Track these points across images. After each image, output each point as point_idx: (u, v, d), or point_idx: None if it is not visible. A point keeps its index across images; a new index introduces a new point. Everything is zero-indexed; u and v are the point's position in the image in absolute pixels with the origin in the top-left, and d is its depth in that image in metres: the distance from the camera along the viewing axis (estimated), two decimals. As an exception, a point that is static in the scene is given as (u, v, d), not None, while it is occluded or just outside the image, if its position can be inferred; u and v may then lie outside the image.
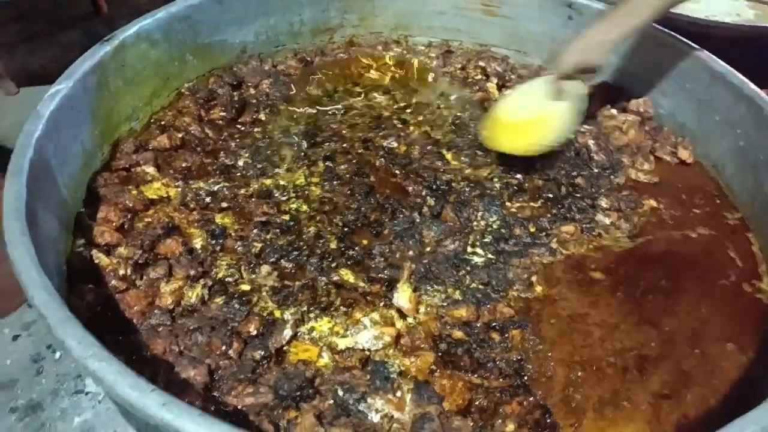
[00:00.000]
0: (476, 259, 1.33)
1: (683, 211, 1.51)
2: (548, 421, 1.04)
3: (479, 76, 1.89)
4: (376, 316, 1.17)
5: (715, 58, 1.61)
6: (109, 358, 0.80)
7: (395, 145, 1.62)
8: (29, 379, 1.54)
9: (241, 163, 1.49)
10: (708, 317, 1.27)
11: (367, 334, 1.13)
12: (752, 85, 1.51)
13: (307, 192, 1.44)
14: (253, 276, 1.22)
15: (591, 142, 1.64)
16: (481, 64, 1.91)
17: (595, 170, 1.59)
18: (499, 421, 1.03)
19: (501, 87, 1.85)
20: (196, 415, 0.75)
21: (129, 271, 1.18)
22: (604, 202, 1.48)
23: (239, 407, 1.00)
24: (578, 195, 1.50)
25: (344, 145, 1.60)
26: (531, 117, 1.48)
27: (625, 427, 1.07)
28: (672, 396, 1.13)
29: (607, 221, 1.45)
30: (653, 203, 1.51)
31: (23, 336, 1.63)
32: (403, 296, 1.20)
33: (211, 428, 0.74)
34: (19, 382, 1.53)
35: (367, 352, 1.11)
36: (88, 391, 1.51)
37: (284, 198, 1.42)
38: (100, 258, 1.19)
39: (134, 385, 0.78)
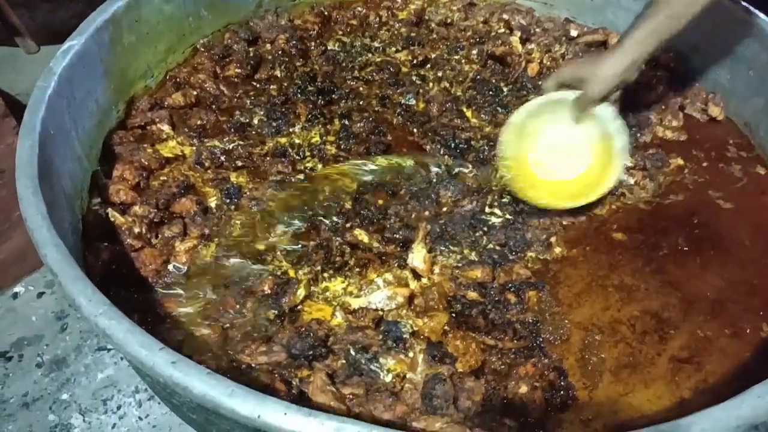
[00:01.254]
0: (494, 220, 1.30)
1: (711, 171, 1.46)
2: (562, 383, 1.03)
3: (502, 30, 1.82)
4: (389, 276, 1.16)
5: (752, 9, 1.52)
6: (119, 316, 0.81)
7: (413, 102, 1.59)
8: (54, 335, 1.58)
9: (256, 121, 1.47)
10: (731, 283, 1.23)
11: (380, 295, 1.12)
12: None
13: (322, 151, 1.42)
14: (268, 235, 1.21)
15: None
16: (505, 17, 1.84)
17: (621, 128, 1.53)
18: (513, 382, 1.02)
19: (525, 41, 1.78)
20: (205, 374, 0.75)
21: (144, 230, 1.18)
22: (628, 161, 1.43)
23: (253, 365, 1.01)
24: (602, 154, 1.46)
25: (361, 102, 1.57)
26: (577, 174, 1.31)
27: (641, 390, 1.06)
28: (691, 360, 1.11)
29: (632, 180, 1.40)
30: (680, 162, 1.45)
31: (47, 293, 1.66)
32: (417, 257, 1.19)
33: (219, 387, 0.74)
34: (44, 338, 1.57)
35: (381, 312, 1.10)
36: (111, 348, 1.55)
37: (299, 157, 1.40)
38: (115, 216, 1.19)
39: (144, 343, 0.78)
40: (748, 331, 1.15)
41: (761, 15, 1.50)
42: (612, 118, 1.26)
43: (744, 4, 1.53)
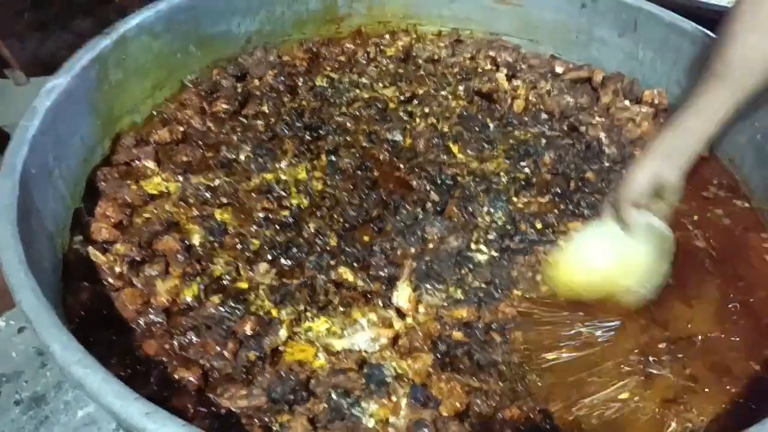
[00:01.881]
0: (480, 257, 1.30)
1: (697, 207, 1.46)
2: (548, 427, 1.02)
3: (489, 66, 1.84)
4: (373, 316, 1.15)
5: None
6: (94, 365, 0.79)
7: (400, 138, 1.59)
8: (34, 372, 1.55)
9: (242, 156, 1.46)
10: (719, 322, 1.23)
11: (364, 336, 1.11)
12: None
13: (308, 187, 1.41)
14: (251, 274, 1.20)
15: (602, 135, 1.59)
16: (491, 53, 1.87)
17: (606, 164, 1.54)
18: (497, 426, 1.00)
19: (511, 77, 1.80)
20: (180, 426, 0.73)
21: (125, 269, 1.17)
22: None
23: (233, 409, 0.99)
24: (587, 190, 1.46)
25: (348, 138, 1.57)
26: (604, 267, 1.24)
27: (629, 433, 1.04)
28: (678, 400, 1.09)
29: (617, 218, 1.40)
30: (665, 199, 1.45)
31: (28, 328, 1.64)
32: (402, 295, 1.18)
33: (193, 438, 0.72)
34: (23, 374, 1.54)
35: (364, 354, 1.09)
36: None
37: (285, 193, 1.39)
38: (96, 255, 1.18)
39: (119, 393, 0.77)
40: (734, 370, 1.14)
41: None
42: (662, 231, 1.20)
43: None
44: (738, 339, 1.19)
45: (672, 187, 1.20)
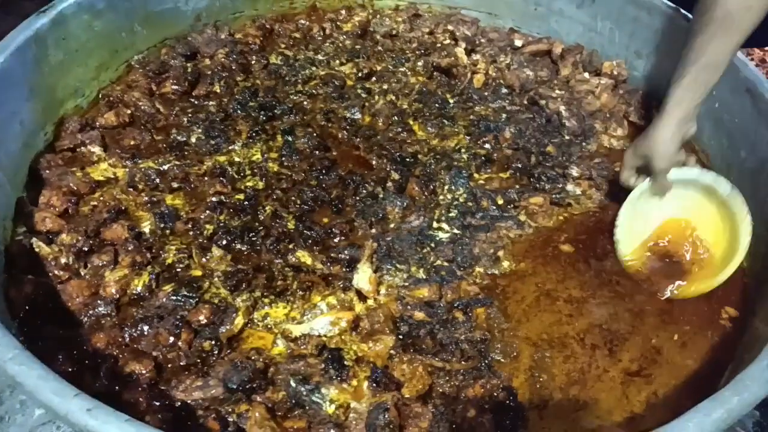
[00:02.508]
0: (441, 235, 1.28)
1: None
2: (512, 404, 1.00)
3: (447, 41, 1.81)
4: (333, 300, 1.11)
5: (690, 16, 1.53)
6: (30, 361, 0.74)
7: (359, 116, 1.55)
8: (-16, 371, 1.48)
9: (193, 139, 1.41)
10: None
11: (323, 320, 1.08)
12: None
13: (264, 169, 1.37)
14: (205, 260, 1.16)
15: (562, 108, 1.57)
16: (450, 28, 1.83)
17: (567, 137, 1.53)
18: (461, 405, 0.99)
19: (470, 52, 1.77)
20: (123, 421, 0.69)
21: (71, 260, 1.12)
22: (575, 171, 1.43)
23: (188, 402, 0.95)
24: (548, 164, 1.45)
25: (304, 117, 1.53)
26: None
27: (592, 407, 1.04)
28: (642, 373, 1.09)
29: (578, 191, 1.39)
30: (626, 171, 1.45)
31: (-24, 325, 1.56)
32: (363, 277, 1.15)
33: (138, 435, 0.69)
34: (-27, 374, 1.48)
35: (324, 339, 1.06)
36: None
37: (239, 176, 1.35)
38: (40, 246, 1.12)
39: (57, 390, 0.72)
40: (696, 340, 1.15)
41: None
42: (698, 173, 1.25)
43: (683, 12, 1.54)
44: (699, 311, 1.20)
45: (692, 137, 1.25)
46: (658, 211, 1.28)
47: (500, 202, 1.35)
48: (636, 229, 1.28)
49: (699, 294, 1.21)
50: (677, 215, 1.28)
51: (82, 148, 1.35)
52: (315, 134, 1.47)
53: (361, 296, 1.14)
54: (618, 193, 1.38)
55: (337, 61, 1.71)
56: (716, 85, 1.20)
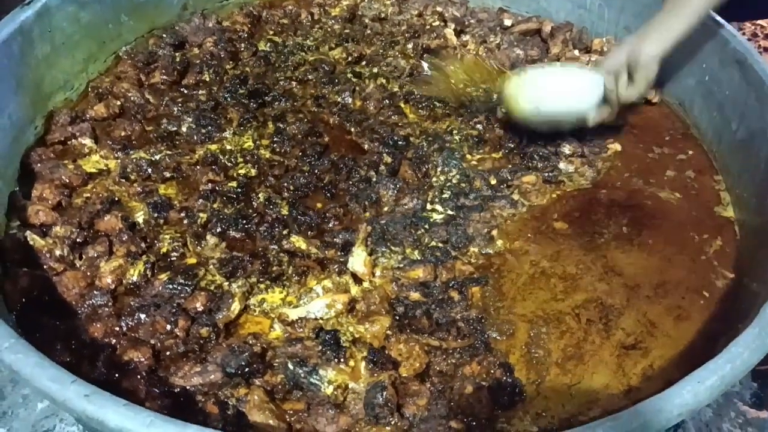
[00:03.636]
0: (435, 217, 1.28)
1: (649, 154, 1.46)
2: (509, 380, 1.01)
3: (437, 23, 1.80)
4: (329, 283, 1.12)
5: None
6: (26, 350, 0.75)
7: (350, 100, 1.55)
8: (-14, 367, 1.49)
9: (184, 128, 1.40)
10: (674, 265, 1.23)
11: (319, 303, 1.08)
12: (717, 17, 1.45)
13: (256, 156, 1.37)
14: (199, 248, 1.16)
15: (553, 87, 1.57)
16: (439, 9, 1.82)
17: (558, 116, 1.52)
18: (458, 383, 0.99)
19: (459, 33, 1.76)
20: (121, 406, 0.70)
21: (66, 252, 1.12)
22: (567, 149, 1.43)
23: (187, 387, 0.96)
24: (540, 142, 1.45)
25: (295, 103, 1.52)
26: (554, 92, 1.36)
27: (589, 380, 1.05)
28: (637, 346, 1.10)
29: (570, 168, 1.40)
30: (617, 147, 1.45)
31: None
32: (358, 260, 1.15)
33: (136, 418, 0.69)
34: (-24, 371, 1.48)
35: (320, 321, 1.06)
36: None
37: (231, 163, 1.35)
38: (34, 239, 1.12)
39: (54, 377, 0.73)
40: (691, 312, 1.15)
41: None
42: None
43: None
44: (693, 283, 1.20)
45: (643, 64, 1.29)
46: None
47: (493, 182, 1.35)
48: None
49: None
50: None
51: (73, 140, 1.35)
52: (306, 120, 1.47)
53: (357, 279, 1.14)
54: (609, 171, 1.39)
55: (327, 46, 1.71)
56: (692, 27, 1.28)
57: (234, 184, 1.29)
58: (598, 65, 1.38)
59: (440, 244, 1.22)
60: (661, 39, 1.29)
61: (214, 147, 1.38)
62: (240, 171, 1.33)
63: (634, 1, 1.62)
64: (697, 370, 0.80)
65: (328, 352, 0.99)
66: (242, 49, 1.66)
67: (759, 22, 2.51)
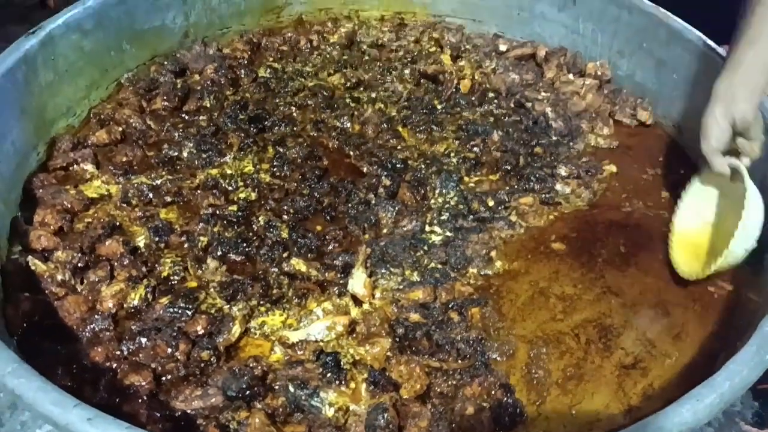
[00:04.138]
0: (434, 238, 1.29)
1: (643, 175, 1.48)
2: (510, 400, 1.01)
3: (433, 49, 1.83)
4: (329, 305, 1.12)
5: (671, 15, 1.56)
6: (29, 374, 0.75)
7: (348, 125, 1.57)
8: (-15, 393, 1.48)
9: (185, 153, 1.42)
10: (671, 284, 1.24)
11: (319, 325, 1.09)
12: (709, 42, 1.48)
13: (256, 180, 1.38)
14: (200, 272, 1.17)
15: (548, 110, 1.59)
16: (435, 35, 1.85)
17: (554, 138, 1.55)
18: (459, 404, 0.99)
19: (455, 58, 1.79)
20: (124, 429, 0.70)
21: (68, 276, 1.12)
22: (563, 170, 1.45)
23: (188, 411, 0.96)
24: (537, 164, 1.47)
25: (295, 128, 1.54)
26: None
27: (589, 400, 1.05)
28: (637, 365, 1.10)
29: (567, 190, 1.41)
30: (613, 168, 1.47)
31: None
32: (358, 282, 1.16)
33: (139, 442, 0.70)
34: (-27, 397, 1.48)
35: (320, 344, 1.07)
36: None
37: (232, 188, 1.36)
38: (36, 264, 1.13)
39: (57, 401, 0.73)
40: (690, 330, 1.16)
41: (677, 19, 1.54)
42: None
43: (663, 10, 1.57)
44: (692, 302, 1.21)
45: (748, 122, 1.16)
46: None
47: (491, 203, 1.37)
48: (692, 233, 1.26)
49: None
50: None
51: (75, 166, 1.36)
52: (306, 144, 1.48)
53: (357, 301, 1.15)
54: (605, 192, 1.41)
55: (325, 72, 1.73)
56: None
57: (234, 207, 1.30)
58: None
59: (439, 266, 1.23)
60: (750, 87, 1.17)
61: (214, 171, 1.39)
62: (240, 195, 1.35)
63: (626, 25, 1.65)
64: (696, 388, 0.81)
65: (329, 375, 0.99)
66: (242, 75, 1.68)
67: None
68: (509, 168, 1.45)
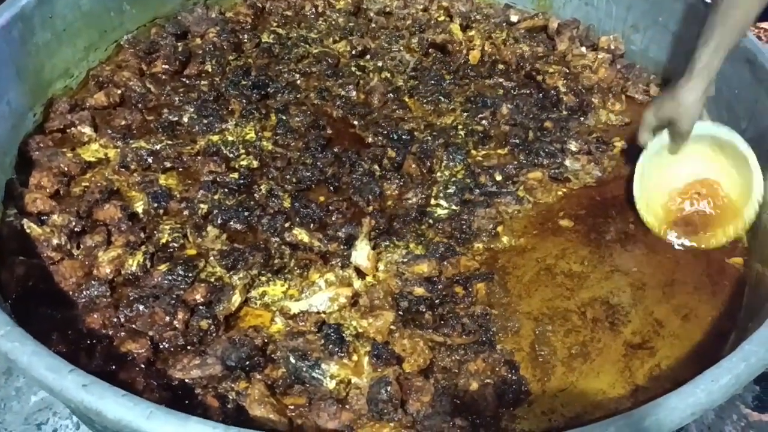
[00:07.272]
0: (439, 212, 1.26)
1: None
2: (514, 377, 0.99)
3: (442, 17, 1.78)
4: (331, 277, 1.10)
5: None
6: (23, 338, 0.73)
7: (353, 93, 1.53)
8: (-21, 360, 1.46)
9: (186, 119, 1.38)
10: (681, 263, 1.22)
11: (322, 296, 1.06)
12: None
13: (258, 147, 1.35)
14: (200, 240, 1.14)
15: (560, 83, 1.55)
16: (444, 4, 1.81)
17: (564, 113, 1.51)
18: (463, 379, 0.97)
19: (465, 28, 1.74)
20: (120, 396, 0.68)
21: (64, 240, 1.09)
22: (573, 146, 1.41)
23: (186, 380, 0.94)
24: (547, 139, 1.43)
25: (298, 95, 1.50)
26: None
27: (594, 379, 1.03)
28: (643, 346, 1.08)
29: (577, 165, 1.38)
30: (624, 145, 1.44)
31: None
32: (361, 254, 1.13)
33: (135, 409, 0.67)
34: (-31, 364, 1.46)
35: (323, 315, 1.04)
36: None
37: (233, 155, 1.33)
38: (31, 227, 1.10)
39: (51, 366, 0.71)
40: (699, 311, 1.14)
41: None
42: (713, 128, 1.26)
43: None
44: (701, 282, 1.19)
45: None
46: (678, 169, 1.29)
47: (498, 178, 1.33)
48: (654, 186, 1.28)
49: (725, 243, 1.24)
50: (702, 175, 1.29)
51: (72, 128, 1.33)
52: (309, 112, 1.45)
53: (360, 273, 1.13)
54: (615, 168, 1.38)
55: (331, 39, 1.69)
56: (736, 48, 1.21)
57: (236, 175, 1.27)
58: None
59: (444, 239, 1.21)
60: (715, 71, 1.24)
61: (215, 138, 1.36)
62: (242, 162, 1.31)
63: (642, -1, 1.60)
64: (711, 368, 0.79)
65: (331, 347, 0.97)
66: (245, 40, 1.64)
67: (762, 25, 2.49)
68: (518, 142, 1.41)
